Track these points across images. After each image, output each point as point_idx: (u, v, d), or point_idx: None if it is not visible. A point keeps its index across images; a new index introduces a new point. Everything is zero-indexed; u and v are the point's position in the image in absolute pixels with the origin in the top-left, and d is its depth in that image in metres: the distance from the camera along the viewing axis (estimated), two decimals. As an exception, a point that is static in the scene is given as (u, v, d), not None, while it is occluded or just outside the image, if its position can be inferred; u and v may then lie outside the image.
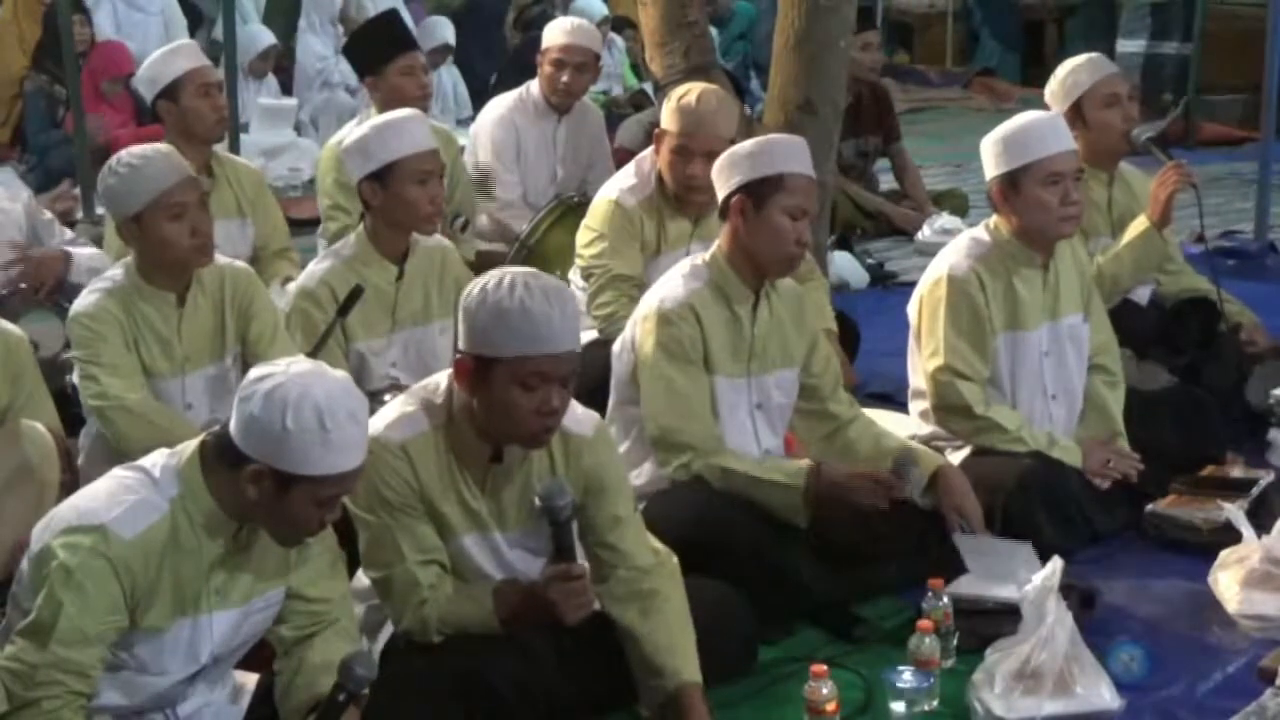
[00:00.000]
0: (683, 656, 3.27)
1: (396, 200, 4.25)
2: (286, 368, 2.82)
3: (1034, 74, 12.35)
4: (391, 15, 6.79)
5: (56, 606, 2.74)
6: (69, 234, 5.45)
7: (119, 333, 3.96)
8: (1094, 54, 5.15)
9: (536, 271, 3.28)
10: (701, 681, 3.26)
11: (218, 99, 5.34)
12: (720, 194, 4.00)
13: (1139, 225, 4.90)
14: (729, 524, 3.76)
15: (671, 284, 3.95)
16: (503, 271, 3.22)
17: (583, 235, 4.98)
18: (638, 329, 3.94)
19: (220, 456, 2.85)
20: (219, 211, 4.80)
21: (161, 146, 4.12)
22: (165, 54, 5.44)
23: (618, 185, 4.96)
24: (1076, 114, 4.93)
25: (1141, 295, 5.12)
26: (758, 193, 3.89)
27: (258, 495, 2.80)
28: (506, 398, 3.15)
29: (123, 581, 2.77)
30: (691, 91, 4.82)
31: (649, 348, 3.88)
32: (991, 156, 4.29)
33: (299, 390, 2.76)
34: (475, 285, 3.21)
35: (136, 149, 4.05)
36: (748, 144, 4.02)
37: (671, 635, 3.29)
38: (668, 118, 4.83)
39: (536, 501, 3.22)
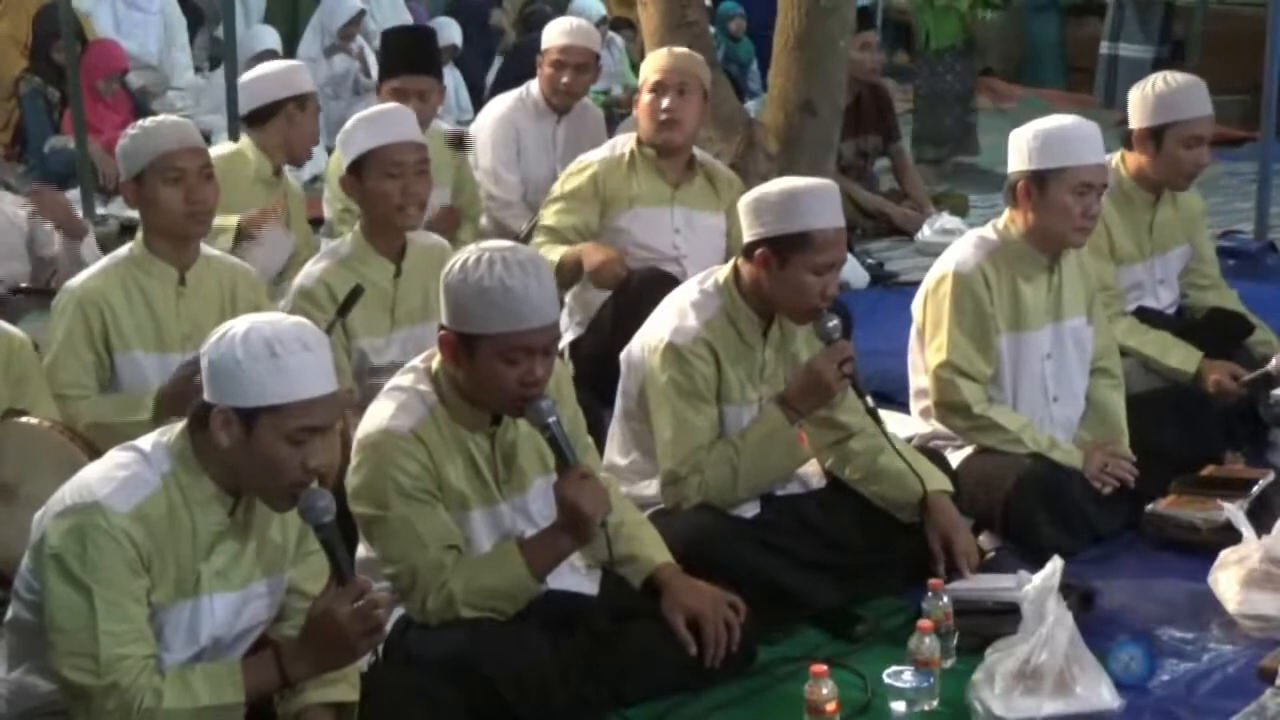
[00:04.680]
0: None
1: (368, 192, 4.25)
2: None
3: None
4: (410, 32, 6.73)
5: (86, 591, 2.76)
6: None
7: (83, 328, 3.98)
8: (1197, 84, 4.83)
9: (514, 245, 3.35)
10: None
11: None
12: (744, 235, 3.87)
13: (1187, 363, 4.74)
14: (729, 544, 3.75)
15: (681, 313, 3.86)
16: (480, 248, 3.27)
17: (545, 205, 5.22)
18: (649, 359, 3.86)
19: (199, 422, 2.87)
20: (220, 214, 4.80)
21: (179, 119, 4.23)
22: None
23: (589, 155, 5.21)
24: (1153, 136, 4.79)
25: (1165, 300, 5.05)
26: (782, 249, 3.76)
27: (229, 441, 2.82)
28: (491, 371, 3.22)
29: (127, 550, 2.79)
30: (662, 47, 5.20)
31: (661, 382, 3.81)
32: (1025, 151, 4.22)
33: (246, 325, 2.84)
34: (455, 262, 3.26)
35: (157, 117, 4.22)
36: (774, 192, 3.83)
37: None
38: (643, 70, 5.15)
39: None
